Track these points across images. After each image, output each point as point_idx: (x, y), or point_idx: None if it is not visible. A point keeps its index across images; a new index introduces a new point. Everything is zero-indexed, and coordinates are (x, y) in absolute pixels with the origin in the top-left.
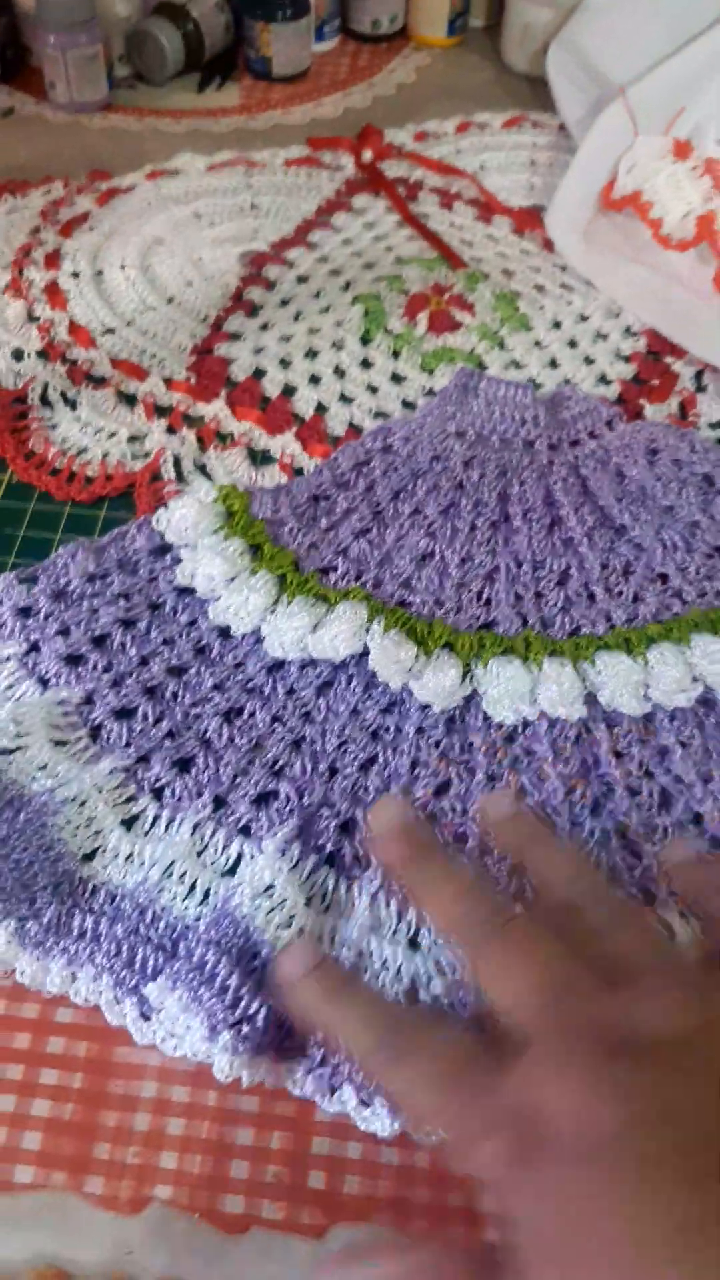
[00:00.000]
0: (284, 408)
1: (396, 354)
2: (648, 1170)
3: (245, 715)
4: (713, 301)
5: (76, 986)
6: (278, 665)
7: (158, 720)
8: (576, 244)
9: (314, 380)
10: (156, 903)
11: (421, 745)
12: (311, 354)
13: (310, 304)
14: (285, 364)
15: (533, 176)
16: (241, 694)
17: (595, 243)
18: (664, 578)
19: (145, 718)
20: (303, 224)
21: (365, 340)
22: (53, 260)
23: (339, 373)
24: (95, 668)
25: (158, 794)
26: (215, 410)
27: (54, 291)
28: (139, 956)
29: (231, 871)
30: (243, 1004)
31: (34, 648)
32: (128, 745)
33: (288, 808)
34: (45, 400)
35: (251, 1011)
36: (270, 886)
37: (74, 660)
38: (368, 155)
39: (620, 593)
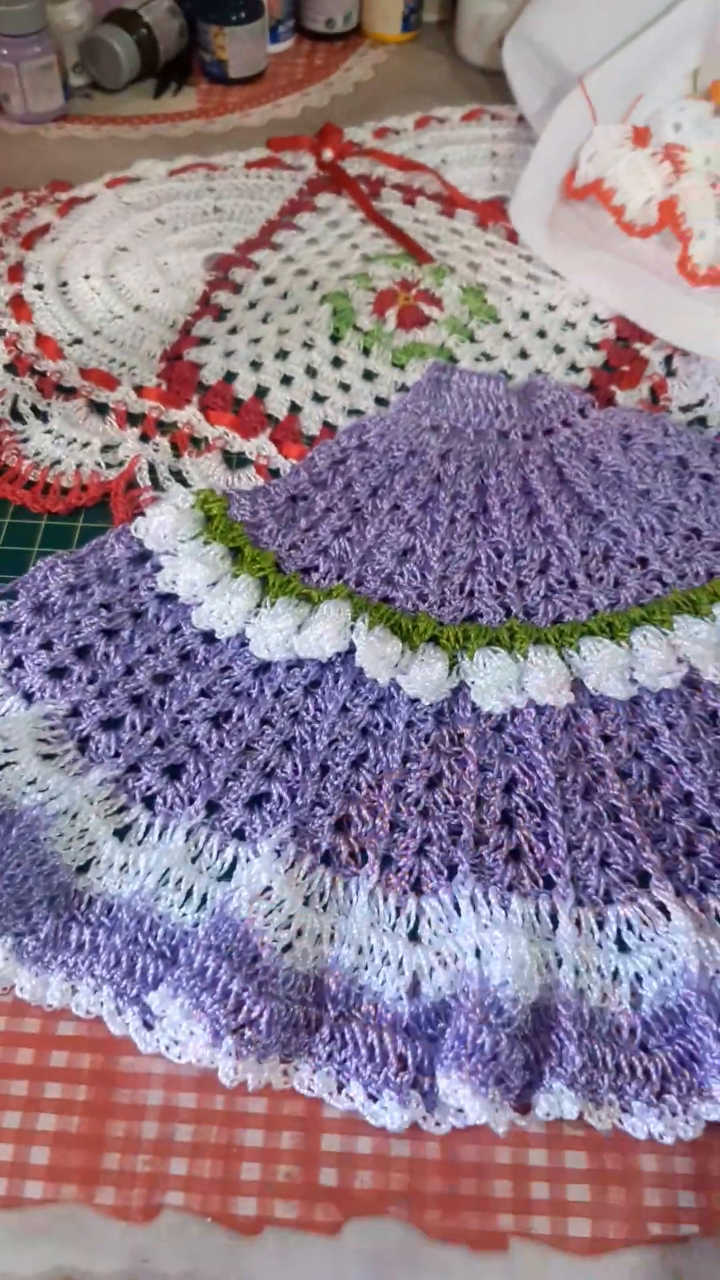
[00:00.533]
0: (257, 410)
1: (367, 351)
2: None
3: (234, 719)
4: (678, 285)
5: (77, 999)
6: (264, 667)
7: (146, 729)
8: (541, 234)
9: (286, 381)
10: (154, 911)
11: (412, 739)
12: (282, 355)
13: (278, 305)
14: (256, 366)
15: (494, 169)
16: (229, 698)
17: (559, 232)
18: (644, 561)
19: (133, 727)
20: (267, 225)
21: (335, 339)
22: (16, 273)
23: (310, 372)
24: (80, 679)
25: (149, 802)
26: (188, 416)
27: (19, 304)
28: (139, 965)
29: (227, 876)
30: (245, 1007)
31: (16, 663)
32: (116, 755)
33: (281, 809)
34: (16, 414)
35: (254, 1015)
36: (267, 889)
37: (58, 673)
38: (328, 154)
39: (601, 578)
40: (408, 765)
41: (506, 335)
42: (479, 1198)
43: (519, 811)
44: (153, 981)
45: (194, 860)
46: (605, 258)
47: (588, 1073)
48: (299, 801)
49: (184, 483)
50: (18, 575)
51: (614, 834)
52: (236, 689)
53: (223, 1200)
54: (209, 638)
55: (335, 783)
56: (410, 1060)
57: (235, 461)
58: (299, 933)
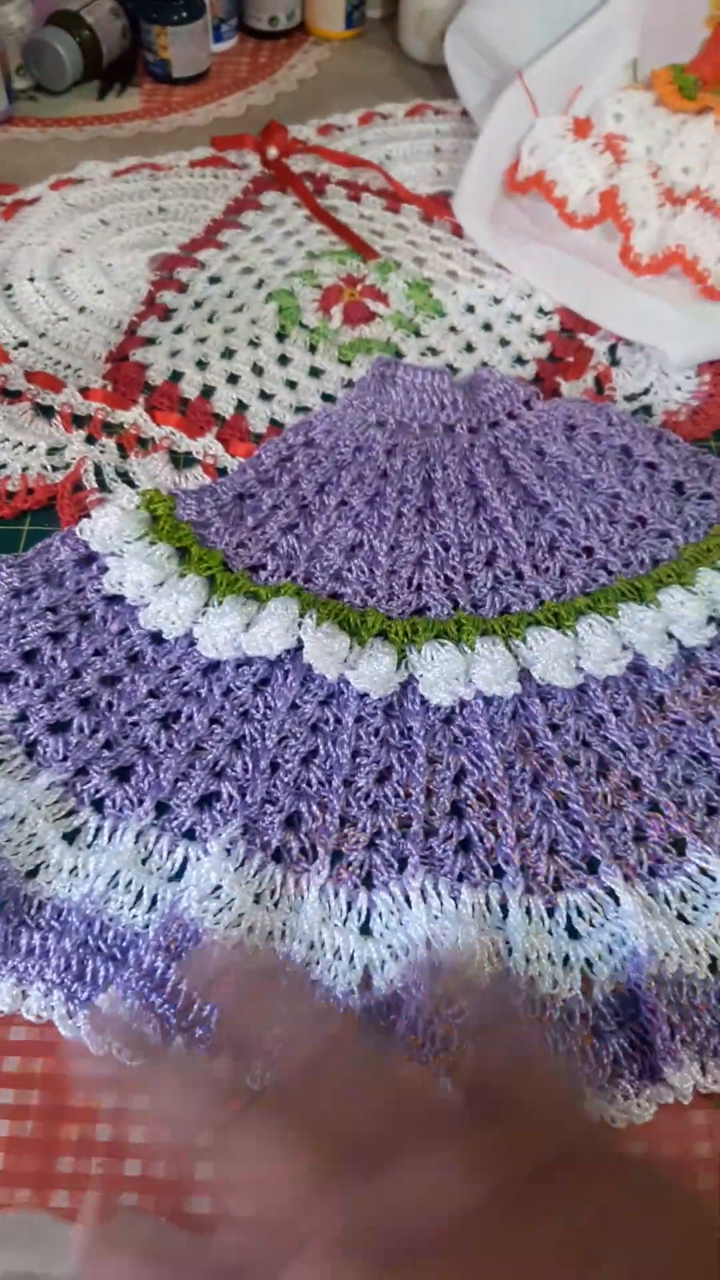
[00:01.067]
0: (204, 409)
1: (313, 348)
2: None
3: (183, 719)
4: (621, 276)
5: (28, 1004)
6: (213, 666)
7: (94, 731)
8: (485, 227)
9: (232, 379)
10: (104, 913)
11: (361, 734)
12: (228, 353)
13: (224, 304)
14: (202, 365)
15: (438, 164)
16: (178, 698)
17: (503, 225)
18: (589, 550)
19: (81, 730)
20: (212, 224)
21: (281, 336)
22: None
23: (257, 370)
24: (27, 684)
25: (98, 805)
26: (134, 416)
27: None
28: (89, 968)
29: (178, 876)
30: (195, 1007)
31: None
32: (65, 759)
33: (231, 808)
34: None
35: (205, 1014)
36: (217, 887)
37: (4, 678)
38: (273, 152)
39: (547, 568)
40: (357, 760)
41: (452, 329)
42: None
43: (468, 802)
44: (103, 984)
45: (144, 862)
46: (549, 250)
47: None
48: (249, 800)
49: (131, 484)
50: None
51: (563, 822)
52: (185, 689)
53: (177, 1200)
54: (157, 638)
55: (285, 780)
56: None
57: (182, 461)
58: (250, 930)
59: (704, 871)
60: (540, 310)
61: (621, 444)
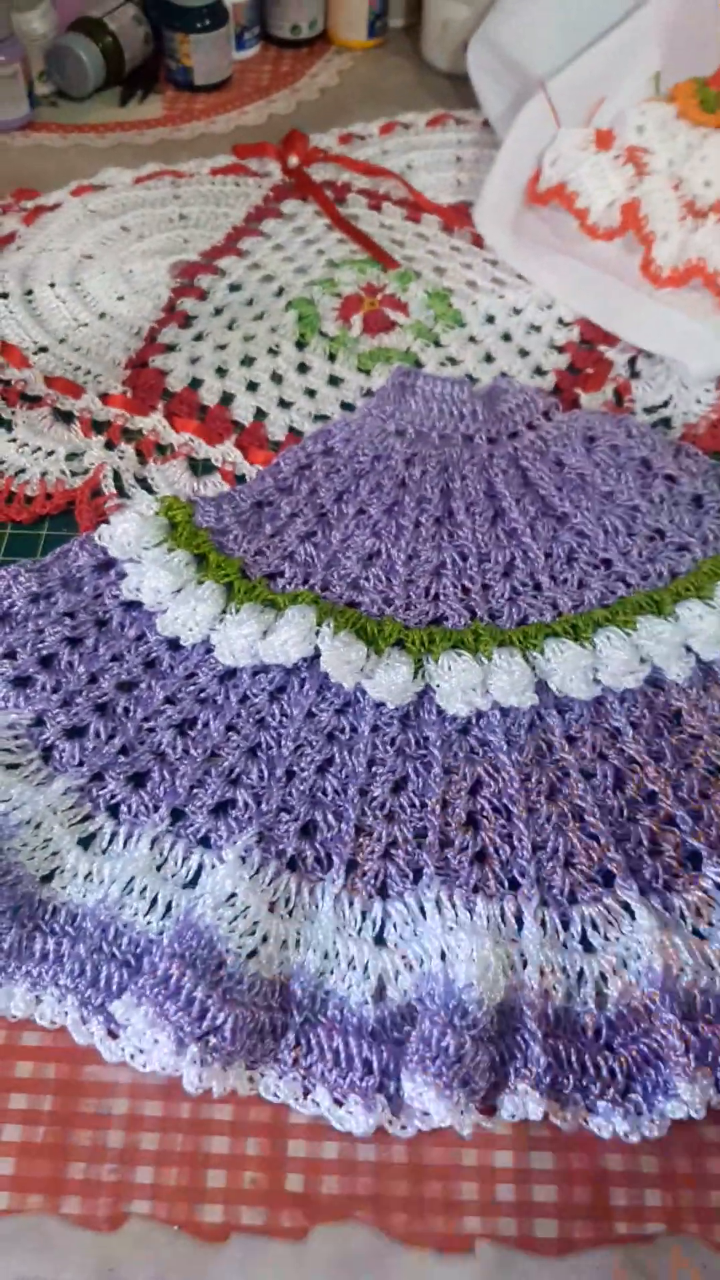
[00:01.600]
0: (223, 416)
1: (333, 356)
2: None
3: (199, 726)
4: (642, 288)
5: (42, 1009)
6: (229, 674)
7: (110, 737)
8: (506, 238)
9: (251, 387)
10: (118, 919)
11: (377, 743)
12: (248, 361)
13: (244, 311)
14: (222, 372)
15: (459, 173)
16: (194, 705)
17: (524, 236)
18: (607, 563)
19: (97, 735)
20: (232, 232)
21: (301, 344)
22: None
23: (276, 378)
24: (44, 688)
25: (114, 811)
26: (153, 423)
27: None
28: (103, 974)
29: (193, 883)
30: (209, 1015)
31: None
32: (81, 764)
33: (246, 815)
34: None
35: (218, 1022)
36: (232, 895)
37: (22, 682)
38: (294, 160)
39: (565, 580)
40: (373, 769)
41: (472, 339)
42: (445, 1200)
43: (484, 813)
44: (117, 990)
45: (159, 868)
46: (569, 261)
47: (553, 1073)
48: (264, 808)
49: (149, 490)
50: None
51: (578, 834)
52: (202, 696)
53: (189, 1208)
54: (174, 645)
55: (301, 788)
56: (375, 1064)
57: (201, 468)
58: (264, 939)
59: (718, 886)
60: (560, 321)
61: (641, 456)
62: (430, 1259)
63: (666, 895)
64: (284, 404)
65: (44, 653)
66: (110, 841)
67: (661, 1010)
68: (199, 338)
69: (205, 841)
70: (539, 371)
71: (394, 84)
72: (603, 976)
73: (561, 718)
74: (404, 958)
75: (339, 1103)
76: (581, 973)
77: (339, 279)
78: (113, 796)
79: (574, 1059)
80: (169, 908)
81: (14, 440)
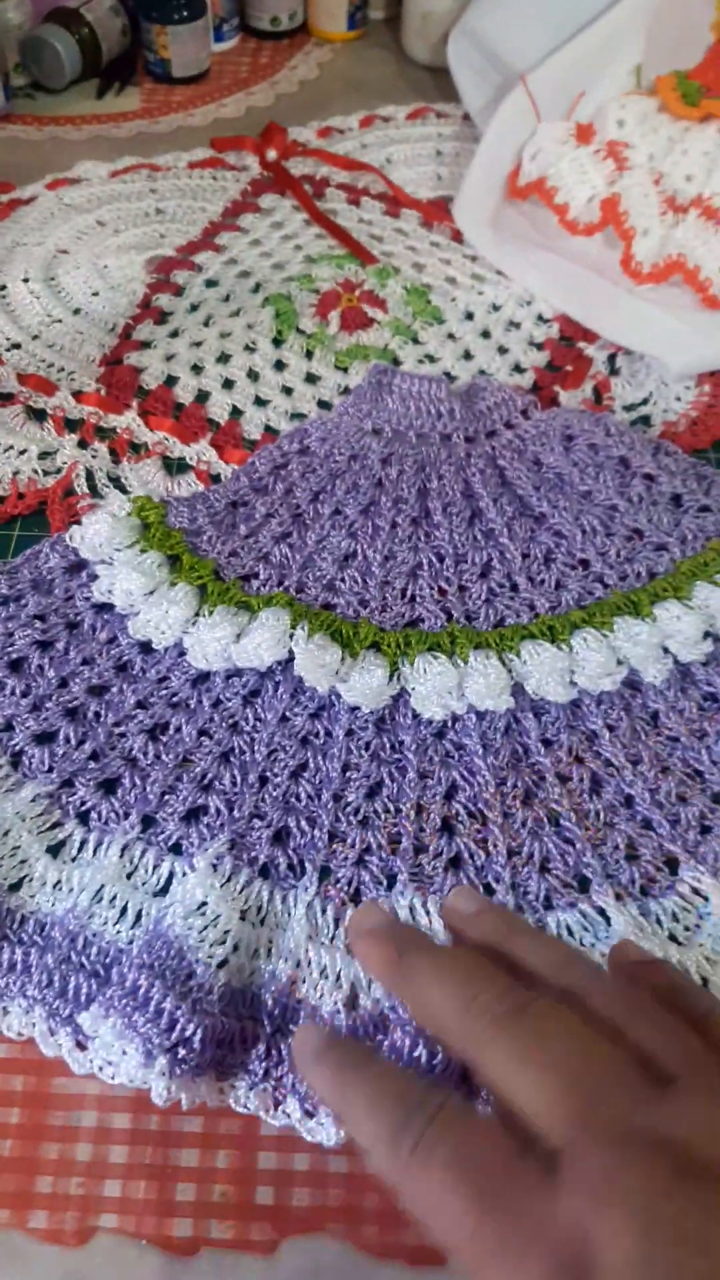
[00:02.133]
0: (198, 414)
1: (310, 354)
2: None
3: (171, 731)
4: (622, 284)
5: (9, 1021)
6: (202, 677)
7: (80, 742)
8: (485, 233)
9: (227, 385)
10: (87, 929)
11: (352, 748)
12: (224, 358)
13: (220, 308)
14: (197, 370)
15: (439, 168)
16: (166, 709)
17: (504, 231)
18: (585, 563)
19: (67, 741)
20: (209, 226)
21: (278, 342)
22: None
23: (252, 376)
24: (13, 693)
25: (83, 818)
26: (127, 421)
27: None
28: (71, 985)
29: (163, 891)
30: (178, 1027)
31: None
32: (50, 770)
33: (218, 822)
34: None
35: (188, 1034)
36: (203, 904)
37: None
38: (272, 154)
39: (542, 581)
40: (347, 774)
41: (450, 336)
42: None
43: (459, 818)
44: (86, 1001)
45: (129, 876)
46: (549, 257)
47: None
48: (236, 814)
49: (123, 489)
50: None
51: (554, 839)
52: (174, 700)
53: (157, 1222)
54: (146, 648)
55: (274, 794)
56: None
57: (175, 467)
58: (235, 948)
59: (696, 891)
60: (540, 318)
61: (619, 455)
62: (402, 1272)
63: (643, 901)
64: (260, 402)
65: (13, 656)
66: (80, 849)
67: None
68: (175, 334)
69: (176, 849)
70: (518, 369)
71: (374, 76)
72: None
73: (538, 721)
74: None
75: (309, 1114)
76: None
77: (317, 275)
78: (83, 803)
79: None
80: (139, 916)
81: None
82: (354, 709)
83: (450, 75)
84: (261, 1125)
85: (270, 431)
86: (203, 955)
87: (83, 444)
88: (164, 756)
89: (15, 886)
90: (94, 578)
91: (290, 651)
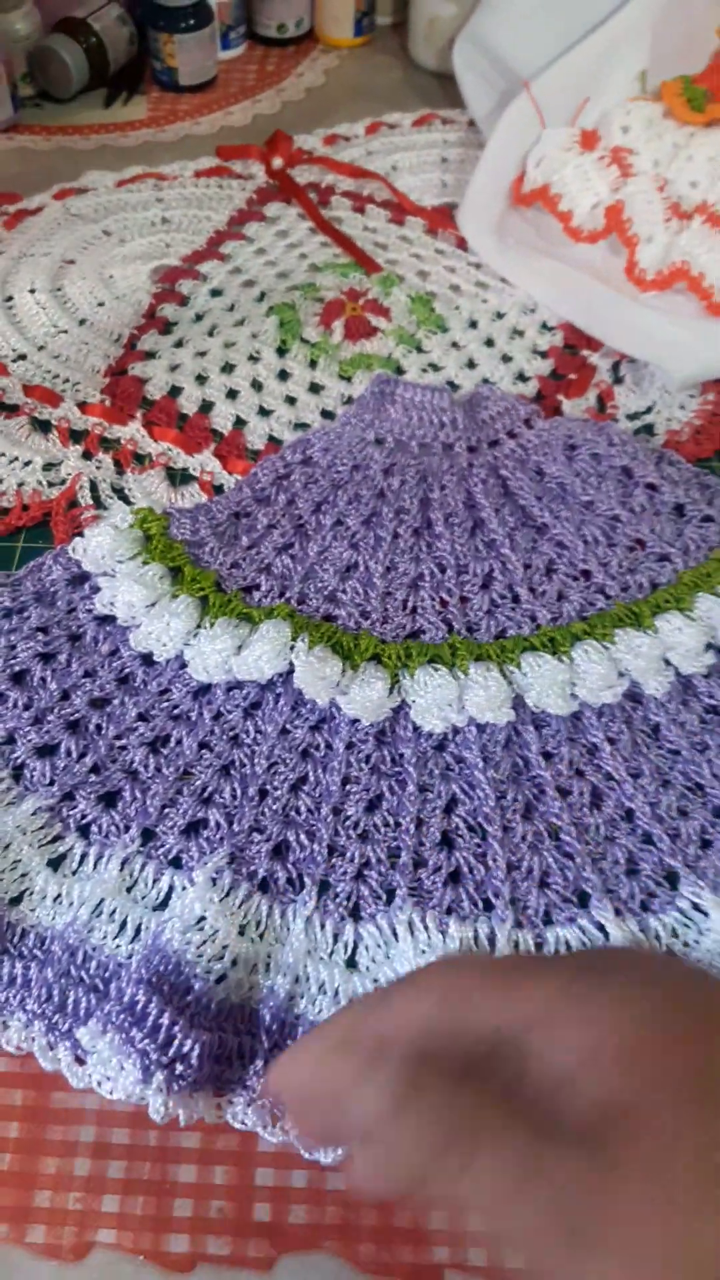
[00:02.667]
0: (202, 424)
1: (314, 363)
2: None
3: (172, 743)
4: (626, 291)
5: (8, 1035)
6: (203, 690)
7: (81, 755)
8: (489, 241)
9: (231, 395)
10: (87, 943)
11: (352, 761)
12: (228, 368)
13: (225, 317)
14: (202, 380)
15: (444, 175)
16: (167, 722)
17: (508, 238)
18: (587, 574)
19: (68, 754)
20: (215, 235)
21: (282, 351)
22: None
23: (256, 386)
24: (15, 705)
25: (84, 831)
26: (132, 432)
27: None
28: (70, 999)
29: (163, 905)
30: (175, 1043)
31: None
32: (51, 783)
33: (218, 835)
34: None
35: (185, 1050)
36: (201, 919)
37: None
38: (278, 162)
39: (544, 592)
40: (347, 788)
41: (454, 345)
42: (414, 1230)
43: (459, 832)
44: (85, 1015)
45: (129, 890)
46: (553, 264)
47: None
48: (236, 828)
49: (126, 500)
50: None
51: (554, 854)
52: (175, 712)
53: (155, 1237)
54: (148, 660)
55: (274, 807)
56: None
57: (179, 478)
58: (233, 963)
59: (697, 907)
60: (544, 325)
61: (622, 465)
62: None
63: (643, 916)
64: (264, 412)
65: (16, 668)
66: (80, 862)
67: None
68: (179, 344)
69: (176, 862)
70: (522, 377)
71: (381, 83)
72: None
73: (538, 734)
74: (375, 981)
75: None
76: None
77: (321, 283)
78: (83, 816)
79: None
80: (138, 930)
81: None
82: (354, 721)
83: (457, 81)
84: (259, 1141)
85: (274, 441)
86: (201, 970)
87: (87, 455)
88: (164, 769)
89: (16, 900)
90: (96, 590)
91: (291, 664)
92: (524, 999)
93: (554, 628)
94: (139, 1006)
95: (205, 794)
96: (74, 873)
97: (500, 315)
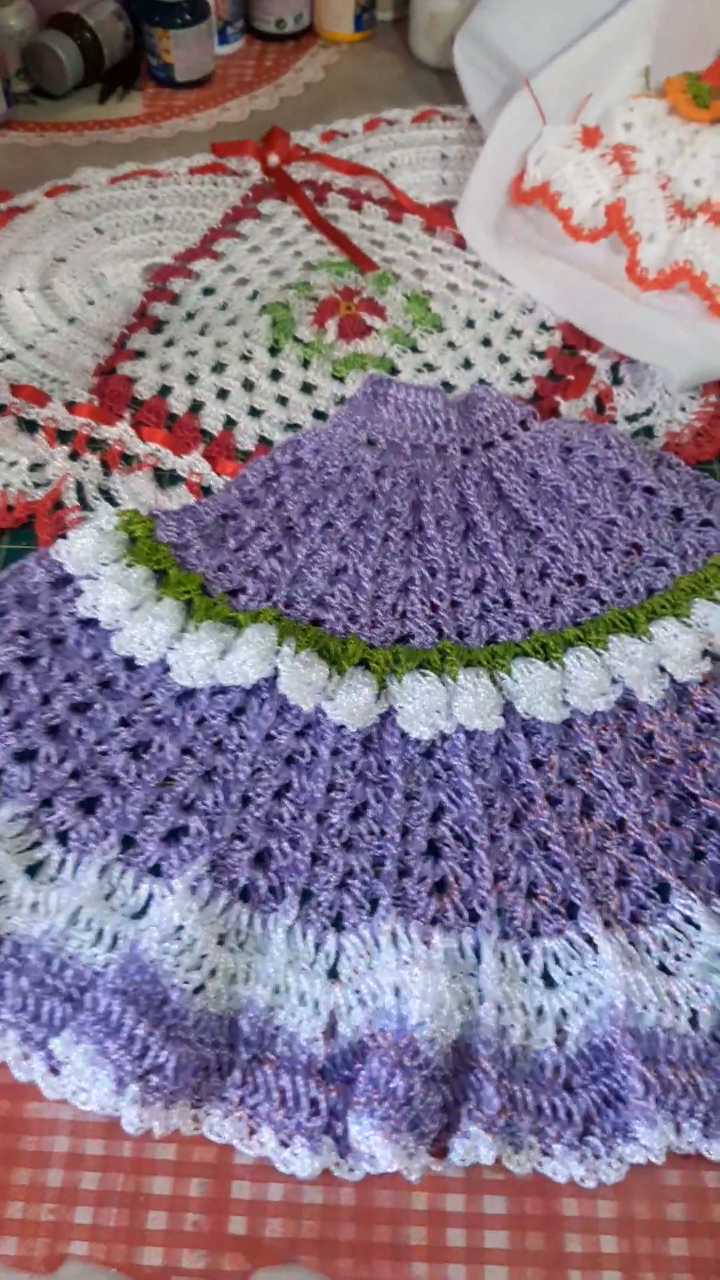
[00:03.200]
0: (191, 425)
1: (306, 363)
2: None
3: (154, 749)
4: (627, 291)
5: None
6: (187, 694)
7: (61, 761)
8: (488, 239)
9: (222, 395)
10: (63, 951)
11: (337, 768)
12: (219, 368)
13: (217, 316)
14: (192, 379)
15: (443, 171)
16: (149, 727)
17: (507, 237)
18: (581, 579)
19: (48, 759)
20: (208, 233)
21: (274, 351)
22: None
23: (247, 386)
24: None
25: (62, 838)
26: (119, 432)
27: None
28: (45, 1009)
29: (142, 914)
30: (151, 1053)
31: None
32: (30, 789)
33: (199, 843)
34: None
35: (160, 1061)
36: (179, 928)
37: None
38: (274, 159)
39: (537, 597)
40: (332, 795)
41: (450, 344)
42: (393, 1245)
43: (445, 841)
44: (59, 1025)
45: (107, 898)
46: (553, 263)
47: (506, 1115)
48: (218, 835)
49: (113, 502)
50: None
51: (542, 864)
52: (158, 717)
53: (128, 1250)
54: (130, 664)
55: (257, 815)
56: (323, 1105)
57: (167, 479)
58: (212, 973)
59: (688, 920)
60: (542, 325)
61: (619, 468)
62: None
63: (633, 929)
64: (255, 412)
65: None
66: (58, 870)
67: (623, 1050)
68: (170, 343)
69: (156, 870)
70: (518, 378)
71: (381, 79)
72: (563, 1013)
73: (528, 741)
74: (357, 992)
75: (285, 1144)
76: (541, 1009)
77: (315, 282)
78: (62, 822)
79: (530, 1100)
80: (116, 940)
81: None
82: (340, 728)
83: (457, 77)
84: (235, 1154)
85: (264, 442)
86: (178, 980)
87: (74, 456)
88: (146, 775)
89: None
90: (79, 593)
91: (276, 669)
92: None
93: (546, 633)
94: (114, 1017)
95: (187, 800)
96: (52, 880)
97: (498, 314)
